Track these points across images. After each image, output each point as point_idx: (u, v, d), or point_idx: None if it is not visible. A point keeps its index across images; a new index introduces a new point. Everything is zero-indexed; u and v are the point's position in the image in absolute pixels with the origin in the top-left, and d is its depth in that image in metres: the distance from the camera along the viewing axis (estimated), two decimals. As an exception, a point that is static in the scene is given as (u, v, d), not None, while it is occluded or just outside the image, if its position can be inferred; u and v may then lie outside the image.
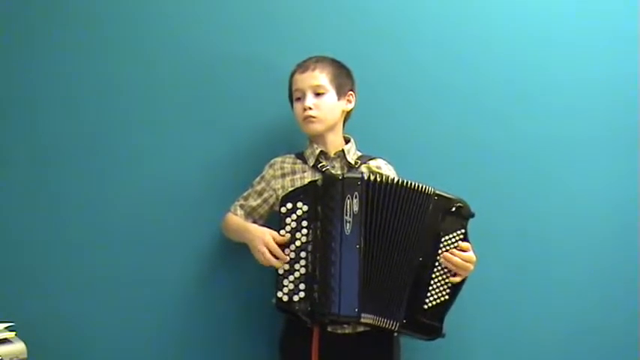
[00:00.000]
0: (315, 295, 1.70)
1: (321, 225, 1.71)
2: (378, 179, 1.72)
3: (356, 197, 1.70)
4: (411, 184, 1.73)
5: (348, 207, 1.70)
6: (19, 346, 1.63)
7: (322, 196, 1.71)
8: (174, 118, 1.99)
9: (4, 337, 1.62)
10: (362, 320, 1.71)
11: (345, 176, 1.73)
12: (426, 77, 2.12)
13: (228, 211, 1.88)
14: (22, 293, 1.90)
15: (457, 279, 1.73)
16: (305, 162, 1.86)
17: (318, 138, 1.86)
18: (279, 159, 1.89)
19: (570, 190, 2.15)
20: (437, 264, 1.73)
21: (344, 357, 1.77)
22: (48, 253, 1.92)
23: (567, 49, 2.17)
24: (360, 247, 1.70)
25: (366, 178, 1.72)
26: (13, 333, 1.65)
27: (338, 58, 1.90)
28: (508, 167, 2.13)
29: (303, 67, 1.83)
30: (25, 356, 1.62)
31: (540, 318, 2.11)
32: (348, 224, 1.70)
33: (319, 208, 1.71)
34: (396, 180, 1.74)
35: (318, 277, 1.70)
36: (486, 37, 2.14)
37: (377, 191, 1.71)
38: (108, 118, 1.97)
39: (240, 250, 1.84)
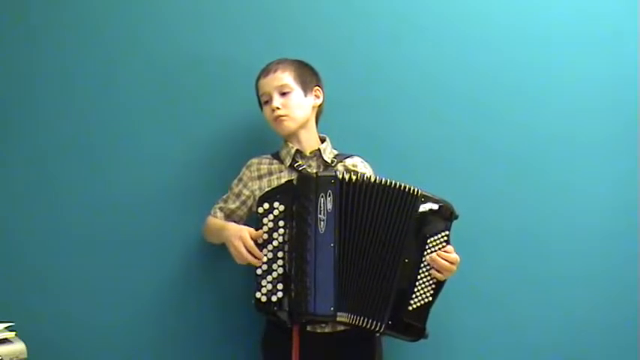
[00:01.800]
0: (292, 294, 1.70)
1: (296, 224, 1.71)
2: (354, 178, 1.72)
3: (330, 196, 1.70)
4: (392, 183, 1.72)
5: (322, 205, 1.70)
6: (19, 346, 1.63)
7: (298, 195, 1.71)
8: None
9: (4, 337, 1.63)
10: (338, 319, 1.70)
11: (319, 175, 1.74)
12: (426, 77, 2.13)
13: (209, 214, 1.89)
14: (22, 293, 1.91)
15: (440, 277, 1.72)
16: (281, 162, 1.87)
17: (292, 137, 1.86)
18: (255, 160, 1.90)
19: (570, 190, 2.14)
20: (422, 265, 1.72)
21: (325, 356, 1.77)
22: (48, 254, 1.94)
23: (567, 49, 2.17)
24: (334, 246, 1.70)
25: (340, 176, 1.72)
26: (13, 333, 1.65)
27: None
28: (508, 167, 2.13)
29: (265, 71, 1.86)
30: (25, 356, 1.62)
31: (540, 318, 2.10)
32: (322, 223, 1.70)
33: (295, 208, 1.71)
34: (374, 179, 1.73)
35: (294, 277, 1.70)
36: (486, 37, 2.15)
37: (352, 190, 1.71)
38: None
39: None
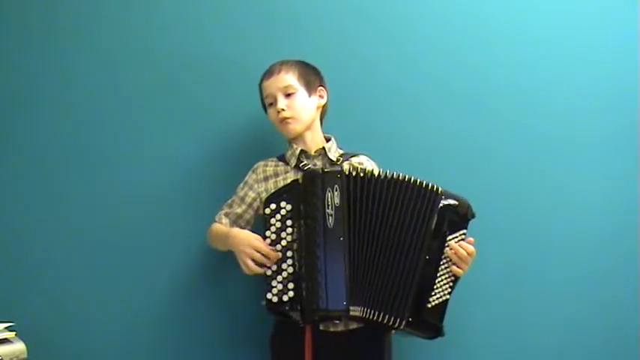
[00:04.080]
0: (304, 292, 1.68)
1: (304, 222, 1.70)
2: (361, 173, 1.71)
3: (337, 190, 1.70)
4: (410, 179, 1.71)
5: (330, 200, 1.69)
6: (19, 346, 1.62)
7: (304, 193, 1.71)
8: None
9: (4, 337, 1.62)
10: (352, 313, 1.68)
11: (324, 170, 1.74)
12: (426, 77, 2.13)
13: (214, 221, 1.88)
14: (22, 293, 1.91)
15: (460, 272, 1.72)
16: (287, 163, 1.86)
17: (297, 138, 1.87)
18: (261, 163, 1.90)
19: (570, 190, 2.14)
20: (441, 263, 1.72)
21: (337, 355, 1.76)
22: (48, 254, 1.95)
23: (567, 49, 2.17)
24: (344, 239, 1.69)
25: (346, 171, 1.71)
26: (13, 333, 1.65)
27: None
28: (507, 167, 2.13)
29: (269, 72, 1.86)
30: (25, 356, 1.62)
31: (540, 318, 2.10)
32: (330, 217, 1.69)
33: (302, 206, 1.70)
34: (385, 174, 1.72)
35: (305, 274, 1.68)
36: (486, 37, 2.15)
37: (360, 183, 1.70)
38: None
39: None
